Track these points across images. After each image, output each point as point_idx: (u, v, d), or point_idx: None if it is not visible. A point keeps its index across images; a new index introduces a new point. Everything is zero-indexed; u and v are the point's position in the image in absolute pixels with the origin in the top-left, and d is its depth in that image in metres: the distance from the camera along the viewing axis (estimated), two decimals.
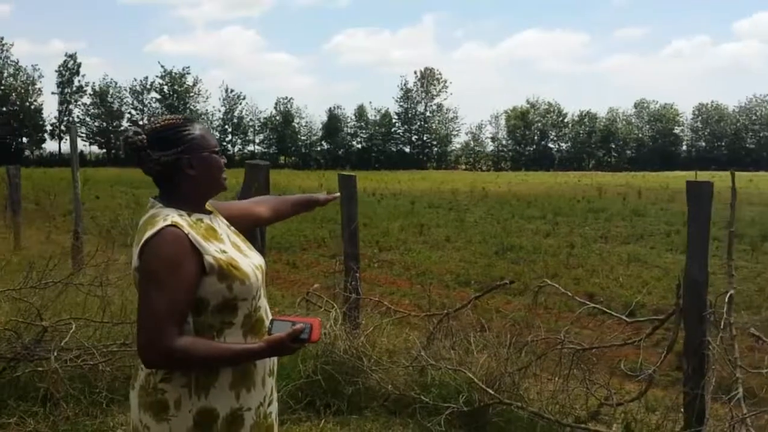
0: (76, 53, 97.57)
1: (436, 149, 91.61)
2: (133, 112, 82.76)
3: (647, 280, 10.79)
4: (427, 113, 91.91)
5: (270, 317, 2.07)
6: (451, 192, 32.37)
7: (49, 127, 79.11)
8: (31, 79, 77.78)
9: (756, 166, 77.97)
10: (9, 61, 77.26)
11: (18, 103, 75.67)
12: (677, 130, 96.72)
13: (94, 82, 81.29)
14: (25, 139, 77.51)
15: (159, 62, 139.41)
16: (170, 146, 1.99)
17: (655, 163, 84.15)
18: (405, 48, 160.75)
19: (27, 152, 76.39)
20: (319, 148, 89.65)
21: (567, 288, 5.28)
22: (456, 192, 32.27)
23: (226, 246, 2.01)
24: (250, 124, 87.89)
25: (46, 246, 10.89)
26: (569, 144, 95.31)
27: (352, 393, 4.58)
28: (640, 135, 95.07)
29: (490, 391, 4.23)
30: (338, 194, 2.71)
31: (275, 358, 2.12)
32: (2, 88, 75.54)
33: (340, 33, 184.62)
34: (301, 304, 5.61)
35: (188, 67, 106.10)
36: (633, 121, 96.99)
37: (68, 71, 79.43)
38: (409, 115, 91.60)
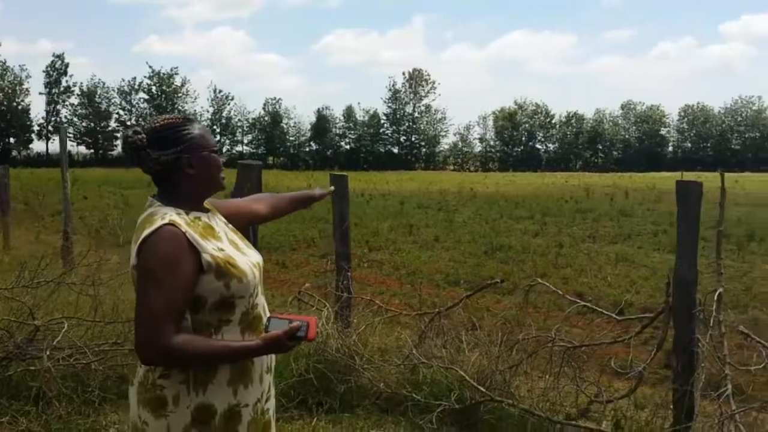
0: (63, 53, 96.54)
1: (424, 150, 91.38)
2: (121, 112, 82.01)
3: (635, 279, 10.89)
4: (416, 114, 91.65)
5: (268, 314, 2.09)
6: (440, 192, 32.39)
7: (36, 128, 78.36)
8: (19, 79, 76.80)
9: (741, 167, 78.44)
10: None
11: (5, 103, 74.69)
12: (663, 131, 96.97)
13: (81, 83, 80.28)
14: (12, 140, 76.63)
15: (147, 63, 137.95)
16: (170, 145, 2.01)
17: (641, 163, 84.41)
18: (394, 49, 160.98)
19: (14, 152, 75.51)
20: (307, 149, 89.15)
21: (556, 287, 5.31)
22: (444, 192, 32.30)
23: (224, 244, 2.03)
24: (239, 124, 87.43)
25: (35, 246, 10.84)
26: (556, 145, 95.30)
27: (344, 391, 4.60)
28: (627, 136, 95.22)
29: (482, 388, 4.26)
30: (332, 188, 2.76)
31: (273, 356, 2.14)
32: None
33: (330, 33, 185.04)
34: (293, 303, 5.61)
35: (176, 67, 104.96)
36: (620, 122, 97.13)
37: (56, 71, 78.57)
38: (398, 115, 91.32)
